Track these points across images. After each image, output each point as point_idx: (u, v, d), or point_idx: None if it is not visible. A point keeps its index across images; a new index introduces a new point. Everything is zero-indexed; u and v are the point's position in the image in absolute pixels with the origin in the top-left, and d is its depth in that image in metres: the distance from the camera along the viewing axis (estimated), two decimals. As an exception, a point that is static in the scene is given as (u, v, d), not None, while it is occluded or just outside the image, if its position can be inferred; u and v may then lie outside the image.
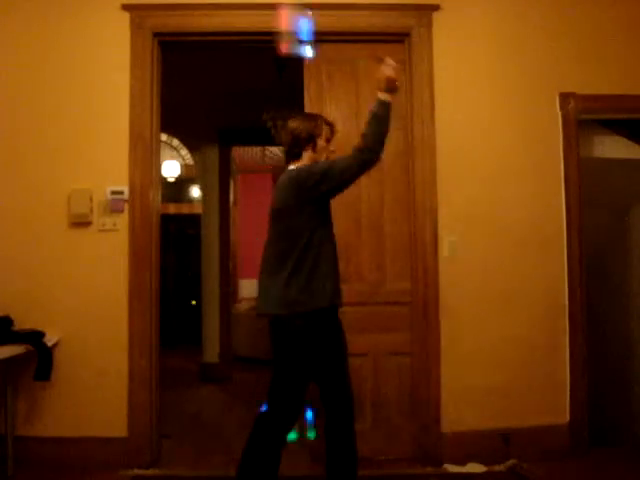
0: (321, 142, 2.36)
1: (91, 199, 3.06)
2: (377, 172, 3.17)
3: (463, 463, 3.03)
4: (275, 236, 2.31)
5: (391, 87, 2.23)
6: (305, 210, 2.23)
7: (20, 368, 2.90)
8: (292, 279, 2.20)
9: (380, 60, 2.30)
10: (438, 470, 3.00)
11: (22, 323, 2.91)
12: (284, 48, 2.31)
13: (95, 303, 3.04)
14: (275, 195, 2.34)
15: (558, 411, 3.14)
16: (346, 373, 2.35)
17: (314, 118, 2.42)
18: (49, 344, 2.87)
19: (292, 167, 2.35)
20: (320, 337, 2.23)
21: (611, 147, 3.62)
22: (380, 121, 2.23)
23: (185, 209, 8.12)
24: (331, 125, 2.43)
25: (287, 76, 4.39)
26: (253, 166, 7.63)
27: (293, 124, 2.35)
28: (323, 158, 2.36)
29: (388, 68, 2.23)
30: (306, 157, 2.35)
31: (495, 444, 3.07)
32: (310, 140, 2.34)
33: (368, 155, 2.20)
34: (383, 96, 2.23)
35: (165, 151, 7.47)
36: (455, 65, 3.21)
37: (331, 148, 2.41)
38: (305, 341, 2.21)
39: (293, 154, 2.37)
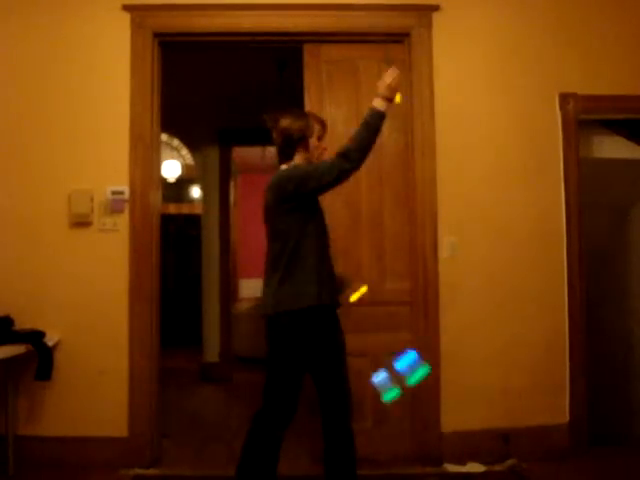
0: (313, 141, 2.35)
1: (92, 199, 3.06)
2: (377, 172, 3.20)
3: (463, 463, 3.04)
4: (268, 237, 2.34)
5: (390, 96, 2.21)
6: (290, 212, 2.24)
7: (20, 368, 2.91)
8: (282, 280, 2.23)
9: (390, 63, 2.29)
10: (438, 470, 3.00)
11: (22, 323, 2.91)
12: None
13: (95, 303, 3.04)
14: (265, 196, 2.34)
15: (558, 411, 3.14)
16: (343, 372, 2.34)
17: (305, 117, 2.39)
18: (49, 344, 2.87)
19: (283, 167, 2.35)
20: (308, 336, 2.22)
21: (611, 147, 3.62)
22: (369, 131, 2.21)
23: (185, 209, 8.12)
24: (322, 122, 2.42)
25: (287, 76, 4.40)
26: (253, 166, 7.62)
27: (284, 123, 2.33)
28: (315, 156, 2.36)
29: (391, 76, 2.21)
30: (298, 157, 2.34)
31: (495, 444, 3.07)
32: (302, 140, 2.33)
33: (349, 164, 2.18)
34: (379, 105, 2.21)
35: (165, 151, 7.45)
36: (455, 65, 3.21)
37: (323, 145, 2.40)
38: (291, 339, 2.22)
39: (286, 154, 2.36)
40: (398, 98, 2.25)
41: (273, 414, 2.24)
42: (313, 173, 2.21)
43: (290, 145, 2.34)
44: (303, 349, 2.23)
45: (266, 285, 2.30)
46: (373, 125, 2.21)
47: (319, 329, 2.25)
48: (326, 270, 2.30)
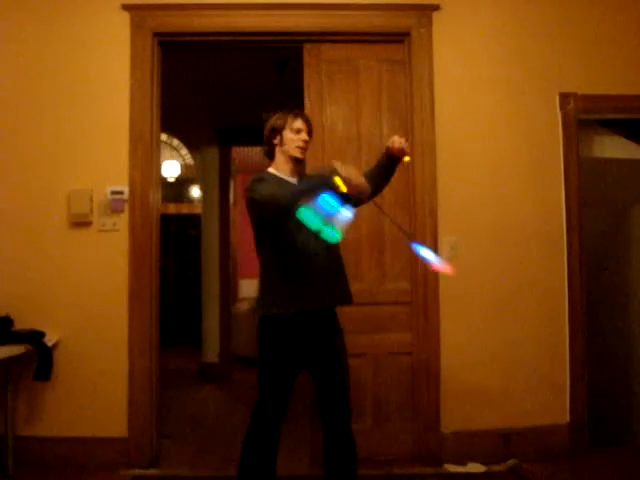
0: (287, 133, 2.30)
1: (91, 199, 3.06)
2: (377, 172, 3.19)
3: (463, 463, 3.03)
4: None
5: (351, 192, 2.02)
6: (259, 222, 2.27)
7: (20, 368, 2.90)
8: (262, 285, 2.28)
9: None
10: (438, 470, 3.00)
11: (22, 323, 2.91)
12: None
13: (95, 303, 3.04)
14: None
15: (558, 411, 3.14)
16: (341, 374, 2.32)
17: (281, 112, 2.34)
18: (49, 344, 2.87)
19: (269, 169, 2.35)
20: (281, 341, 2.23)
21: (611, 147, 3.62)
22: (311, 188, 2.05)
23: (185, 209, 8.12)
24: (298, 114, 2.34)
25: (287, 76, 4.40)
26: (253, 166, 7.62)
27: (264, 125, 2.36)
28: (292, 149, 2.29)
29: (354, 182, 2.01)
30: (278, 152, 2.33)
31: (495, 444, 3.07)
32: (275, 134, 2.31)
33: (282, 200, 2.10)
34: (337, 180, 1.98)
35: (165, 151, 7.47)
36: (455, 65, 3.21)
37: (303, 137, 2.30)
38: (267, 342, 2.25)
39: (269, 155, 2.37)
40: (407, 158, 2.28)
41: (264, 407, 2.25)
42: (255, 191, 2.17)
43: (268, 144, 2.34)
44: (268, 354, 2.26)
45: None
46: (312, 187, 2.05)
47: (296, 334, 2.23)
48: (305, 275, 2.23)
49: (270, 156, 2.37)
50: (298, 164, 2.36)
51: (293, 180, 2.32)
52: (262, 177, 2.27)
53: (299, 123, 2.31)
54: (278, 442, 2.27)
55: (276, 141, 2.32)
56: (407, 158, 2.27)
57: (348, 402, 2.31)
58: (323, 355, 2.29)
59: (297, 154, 2.31)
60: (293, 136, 2.30)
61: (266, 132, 2.34)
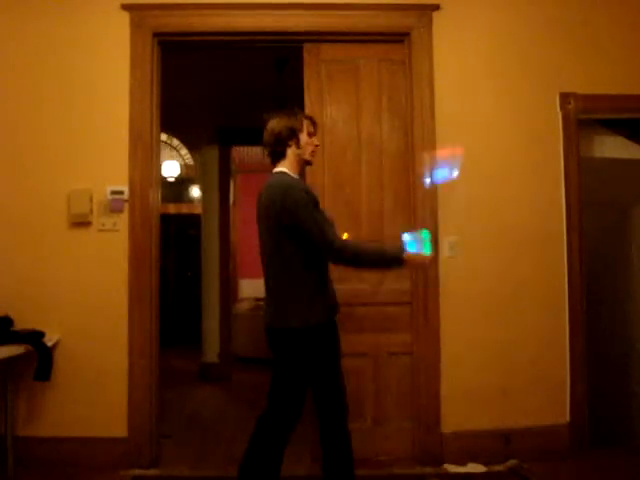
0: (303, 137, 2.33)
1: (91, 199, 3.06)
2: (377, 172, 3.20)
3: (463, 463, 3.03)
4: (264, 241, 2.33)
5: (412, 267, 2.46)
6: (284, 237, 2.22)
7: (20, 368, 2.90)
8: (291, 295, 2.27)
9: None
10: (438, 470, 3.00)
11: (22, 323, 2.90)
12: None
13: (95, 303, 3.04)
14: (261, 200, 2.32)
15: (558, 411, 3.14)
16: (337, 378, 2.33)
17: (293, 114, 2.37)
18: (49, 344, 2.87)
19: (279, 169, 2.34)
20: (322, 348, 2.26)
21: (611, 147, 3.62)
22: (379, 261, 2.34)
23: (185, 209, 8.12)
24: (310, 118, 2.40)
25: (287, 76, 4.39)
26: (253, 166, 7.62)
27: (272, 124, 2.33)
28: (307, 153, 2.35)
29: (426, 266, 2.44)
30: (290, 154, 2.33)
31: (495, 444, 3.07)
32: (292, 136, 2.31)
33: (339, 259, 2.27)
34: (406, 257, 2.23)
35: (165, 151, 7.47)
36: (455, 65, 3.21)
37: (315, 142, 2.38)
38: (306, 352, 2.25)
39: (277, 154, 2.35)
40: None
41: (278, 418, 2.24)
42: (314, 229, 2.18)
43: (281, 143, 2.32)
44: (303, 364, 2.24)
45: (267, 296, 2.33)
46: (383, 261, 2.32)
47: (313, 346, 2.24)
48: (320, 291, 2.27)
49: (277, 156, 2.35)
50: (305, 167, 2.41)
51: None
52: (307, 190, 2.28)
53: (312, 127, 2.37)
54: (285, 448, 2.27)
55: (292, 142, 2.32)
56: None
57: (345, 403, 2.34)
58: (323, 364, 2.30)
59: (310, 158, 2.37)
60: (308, 140, 2.34)
61: (283, 132, 2.31)
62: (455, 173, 2.27)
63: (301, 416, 2.26)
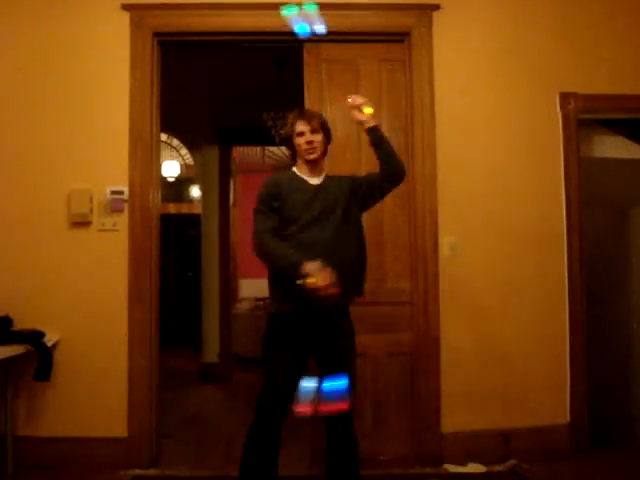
0: (295, 139, 2.37)
1: (91, 199, 3.06)
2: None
3: (463, 463, 3.03)
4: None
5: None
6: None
7: (20, 368, 2.90)
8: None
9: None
10: (438, 470, 3.00)
11: (22, 323, 2.91)
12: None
13: (95, 303, 3.04)
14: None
15: (558, 411, 3.14)
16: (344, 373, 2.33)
17: (289, 118, 2.43)
18: (49, 344, 2.87)
19: (293, 168, 2.43)
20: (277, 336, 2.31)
21: (611, 147, 3.62)
22: (277, 261, 2.28)
23: (185, 209, 8.12)
24: (298, 115, 2.40)
25: (287, 76, 4.40)
26: (253, 166, 7.63)
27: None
28: (302, 152, 2.36)
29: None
30: (298, 155, 2.41)
31: (495, 444, 3.07)
32: (290, 142, 2.41)
33: (255, 248, 2.31)
34: (300, 269, 2.11)
35: (165, 151, 7.47)
36: (455, 65, 3.21)
37: (305, 139, 2.34)
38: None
39: (292, 157, 2.47)
40: (367, 110, 2.34)
41: (260, 397, 2.29)
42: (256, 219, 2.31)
43: (291, 147, 2.42)
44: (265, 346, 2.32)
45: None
46: (280, 264, 2.27)
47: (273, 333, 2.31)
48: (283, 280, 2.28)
49: (293, 158, 2.47)
50: (315, 164, 2.39)
51: (314, 180, 2.37)
52: (277, 180, 2.37)
53: (300, 126, 2.36)
54: (279, 441, 2.27)
55: (292, 147, 2.41)
56: (367, 110, 2.33)
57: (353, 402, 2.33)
58: (323, 352, 2.34)
59: (306, 156, 2.36)
60: (298, 140, 2.36)
61: (288, 143, 2.44)
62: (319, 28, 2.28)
63: (281, 398, 2.22)
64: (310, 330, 2.29)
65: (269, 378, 2.29)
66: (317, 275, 2.05)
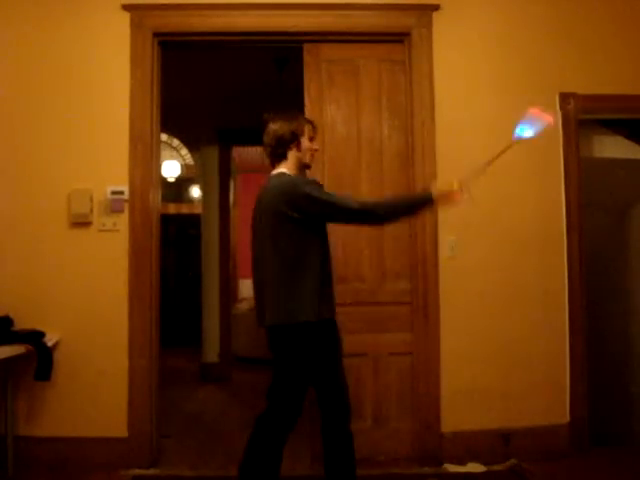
0: (305, 141, 2.37)
1: (91, 199, 3.06)
2: (377, 172, 3.20)
3: (463, 463, 3.03)
4: (260, 244, 2.35)
5: (445, 204, 2.33)
6: (295, 227, 2.22)
7: (20, 368, 2.90)
8: (282, 294, 2.26)
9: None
10: (438, 470, 3.00)
11: (22, 323, 2.91)
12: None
13: (95, 303, 3.04)
14: (260, 202, 2.34)
15: (558, 411, 3.14)
16: (340, 376, 2.34)
17: (295, 117, 2.41)
18: (49, 344, 2.87)
19: (280, 170, 2.36)
20: (308, 348, 2.24)
21: (611, 147, 3.62)
22: (410, 208, 2.35)
23: (185, 209, 8.12)
24: (311, 123, 2.45)
25: (287, 76, 4.40)
26: (253, 166, 7.61)
27: (274, 126, 2.36)
28: (307, 157, 2.39)
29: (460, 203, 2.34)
30: (291, 156, 2.36)
31: (495, 444, 3.07)
32: (294, 139, 2.36)
33: (374, 220, 2.35)
34: (434, 196, 2.25)
35: (165, 151, 7.46)
36: (455, 65, 3.21)
37: (315, 147, 2.43)
38: (295, 351, 2.24)
39: (277, 155, 2.38)
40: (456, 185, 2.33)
41: (278, 417, 2.24)
42: (334, 204, 2.23)
43: (282, 145, 2.35)
44: (306, 360, 2.24)
45: (265, 296, 2.29)
46: (417, 205, 2.34)
47: (318, 342, 2.25)
48: (326, 286, 2.30)
49: (278, 157, 2.38)
50: (304, 170, 2.45)
51: None
52: (315, 181, 2.40)
53: (313, 132, 2.42)
54: (283, 448, 2.28)
55: (293, 145, 2.36)
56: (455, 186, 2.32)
57: (348, 402, 2.35)
58: (329, 361, 2.32)
59: (309, 161, 2.42)
60: (308, 144, 2.38)
61: (286, 135, 2.35)
62: (530, 133, 2.34)
63: (301, 415, 2.26)
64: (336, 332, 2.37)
65: (303, 390, 2.24)
66: (458, 185, 2.26)
